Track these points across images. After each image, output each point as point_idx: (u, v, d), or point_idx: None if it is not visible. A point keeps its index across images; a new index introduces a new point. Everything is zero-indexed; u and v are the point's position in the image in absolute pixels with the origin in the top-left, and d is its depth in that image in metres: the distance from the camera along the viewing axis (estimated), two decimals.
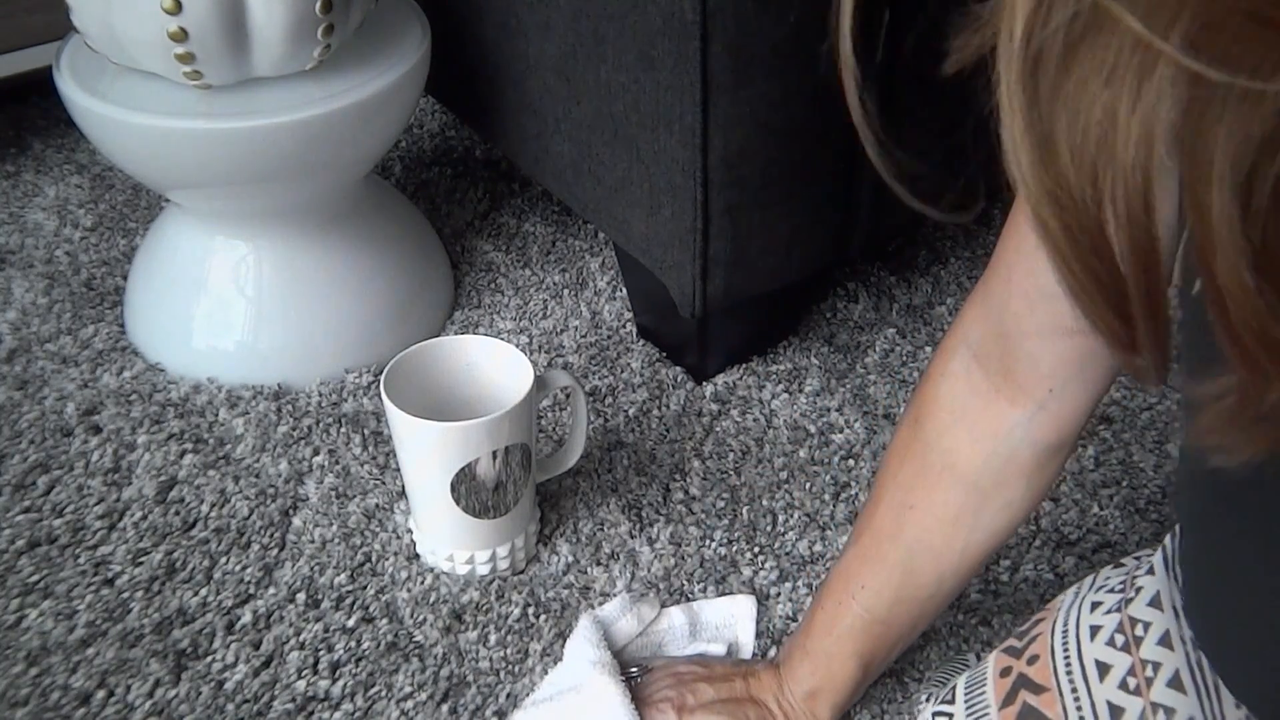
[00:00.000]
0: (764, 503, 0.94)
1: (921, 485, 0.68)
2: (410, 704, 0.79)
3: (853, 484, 0.95)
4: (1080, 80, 0.29)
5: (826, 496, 0.94)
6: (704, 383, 1.05)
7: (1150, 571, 0.57)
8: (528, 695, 0.80)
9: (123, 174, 1.28)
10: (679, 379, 1.05)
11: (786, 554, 0.90)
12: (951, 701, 0.63)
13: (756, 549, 0.90)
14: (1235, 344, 0.30)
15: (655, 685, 0.77)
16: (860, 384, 1.05)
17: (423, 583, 0.87)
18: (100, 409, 1.00)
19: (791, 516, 0.92)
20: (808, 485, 0.95)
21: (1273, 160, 0.27)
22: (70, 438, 0.98)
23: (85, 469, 0.95)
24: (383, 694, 0.80)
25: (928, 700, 0.74)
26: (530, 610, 0.85)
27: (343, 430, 0.98)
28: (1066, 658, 0.58)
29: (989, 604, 0.86)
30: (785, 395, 1.03)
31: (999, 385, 0.63)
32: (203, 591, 0.86)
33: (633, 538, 0.90)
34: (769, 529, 0.92)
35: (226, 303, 1.02)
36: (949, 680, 0.74)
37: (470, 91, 1.12)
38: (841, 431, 1.00)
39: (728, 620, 0.85)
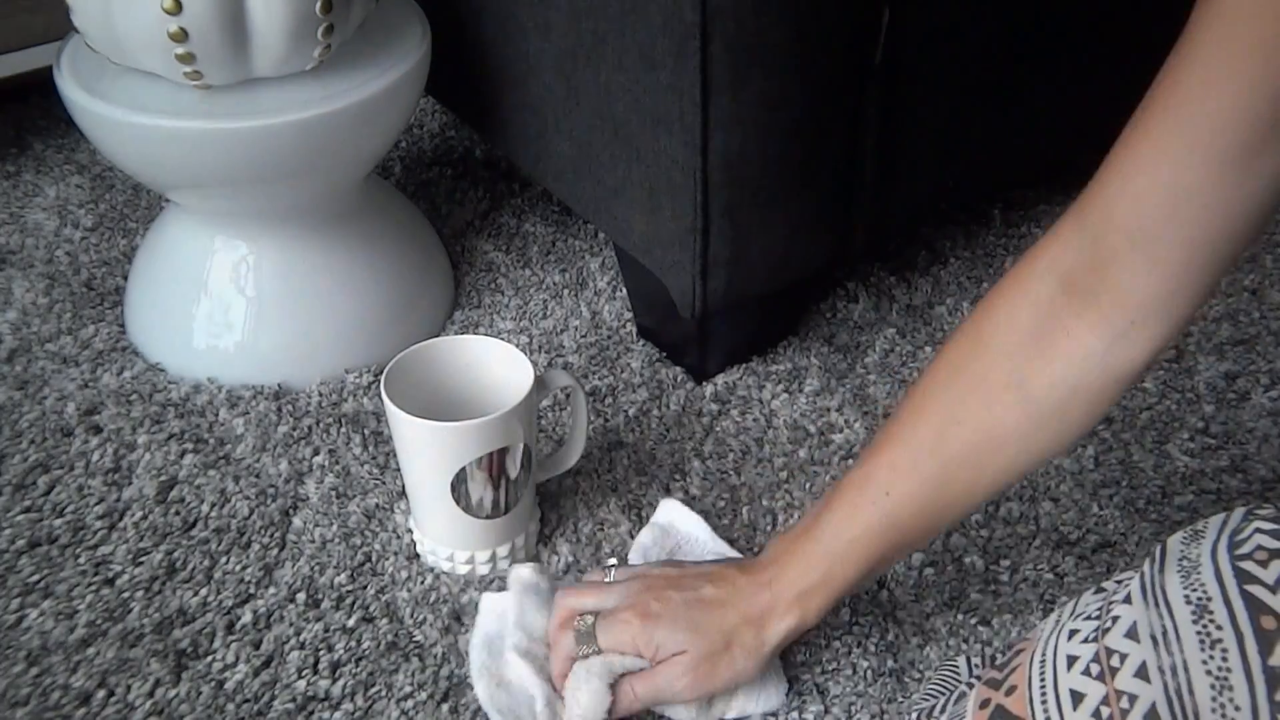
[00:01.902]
0: (764, 503, 0.94)
1: (976, 401, 0.68)
2: (410, 704, 0.79)
3: None
4: None
5: None
6: (704, 383, 1.05)
7: (1127, 600, 0.56)
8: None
9: (123, 174, 1.28)
10: (679, 379, 1.05)
11: None
12: None
13: (756, 549, 0.90)
14: None
15: (623, 591, 0.77)
16: (860, 384, 1.05)
17: (423, 583, 0.87)
18: (100, 409, 1.00)
19: (791, 516, 0.93)
20: (808, 485, 0.95)
21: None
22: (70, 438, 0.98)
23: (85, 469, 0.95)
24: (383, 694, 0.80)
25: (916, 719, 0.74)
26: None
27: (343, 430, 0.98)
28: (1043, 688, 0.58)
29: (989, 604, 0.86)
30: (785, 395, 1.03)
31: (1082, 312, 0.64)
32: (203, 591, 0.86)
33: (632, 537, 0.90)
34: (769, 529, 0.92)
35: (226, 303, 1.02)
36: (937, 696, 0.74)
37: (470, 91, 1.12)
38: (841, 431, 1.00)
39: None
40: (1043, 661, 0.59)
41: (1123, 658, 0.55)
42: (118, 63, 0.93)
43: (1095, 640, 0.56)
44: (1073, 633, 0.58)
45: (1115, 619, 0.56)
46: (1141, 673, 0.54)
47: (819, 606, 0.74)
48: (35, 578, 0.87)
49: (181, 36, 0.86)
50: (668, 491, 0.94)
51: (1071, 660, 0.57)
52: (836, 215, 0.98)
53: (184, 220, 1.04)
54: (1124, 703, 0.53)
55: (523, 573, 0.83)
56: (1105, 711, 0.54)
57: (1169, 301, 0.62)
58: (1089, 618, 0.58)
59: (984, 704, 0.61)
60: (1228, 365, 1.06)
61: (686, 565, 0.81)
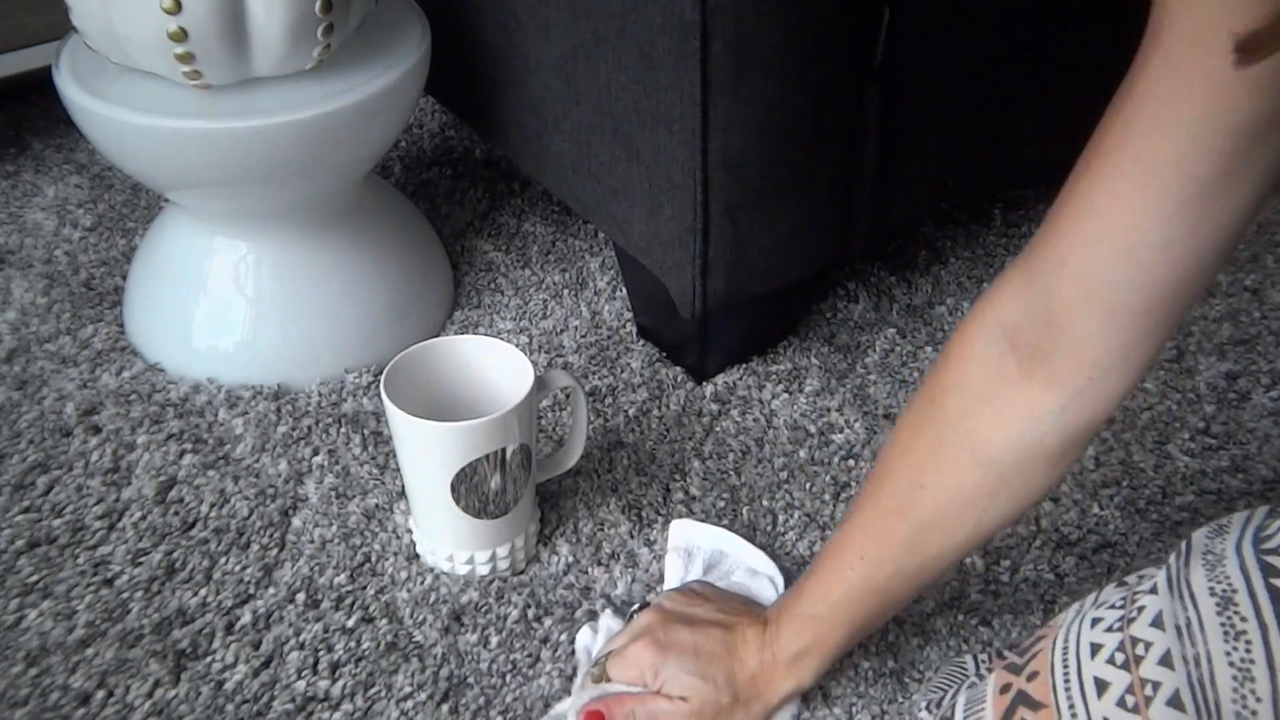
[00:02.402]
0: (764, 503, 0.94)
1: (935, 465, 0.68)
2: (410, 704, 0.79)
3: (852, 484, 0.95)
4: None
5: (826, 496, 0.94)
6: (704, 383, 1.05)
7: (1153, 590, 0.56)
8: (538, 699, 0.80)
9: (123, 174, 1.28)
10: (679, 379, 1.05)
11: (786, 554, 0.90)
12: (951, 717, 0.63)
13: (757, 548, 0.90)
14: None
15: (635, 625, 0.78)
16: (860, 384, 1.05)
17: (423, 583, 0.87)
18: (100, 409, 1.00)
19: (791, 516, 0.92)
20: (808, 485, 0.95)
21: None
22: (70, 438, 0.98)
23: (85, 469, 0.95)
24: (382, 694, 0.80)
25: (926, 709, 0.74)
26: (530, 611, 0.85)
27: (343, 430, 0.98)
28: (1066, 675, 0.58)
29: (989, 604, 0.86)
30: (785, 395, 1.03)
31: (1033, 371, 0.62)
32: (202, 591, 0.86)
33: (633, 538, 0.90)
34: (769, 529, 0.92)
35: (226, 303, 1.02)
36: (946, 688, 0.74)
37: (470, 91, 1.12)
38: (841, 431, 1.00)
39: (761, 569, 0.87)
40: (1065, 649, 0.59)
41: (1147, 646, 0.55)
42: (117, 62, 0.93)
43: (1120, 629, 0.56)
44: (1096, 621, 0.58)
45: (1141, 609, 0.56)
46: (1166, 660, 0.54)
47: (814, 668, 0.75)
48: (34, 578, 0.87)
49: (181, 36, 0.86)
50: (667, 491, 0.94)
51: (1095, 648, 0.57)
52: (836, 215, 0.98)
53: (184, 220, 1.04)
54: (1148, 690, 0.54)
55: (613, 624, 0.84)
56: (1130, 700, 0.54)
57: (1128, 353, 0.60)
58: (1113, 606, 0.58)
59: (1005, 689, 0.61)
60: (1228, 365, 1.06)
61: (709, 592, 0.81)
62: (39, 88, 1.29)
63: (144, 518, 0.91)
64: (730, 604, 0.81)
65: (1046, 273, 0.60)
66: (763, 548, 0.90)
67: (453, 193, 1.27)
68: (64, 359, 1.06)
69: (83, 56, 0.96)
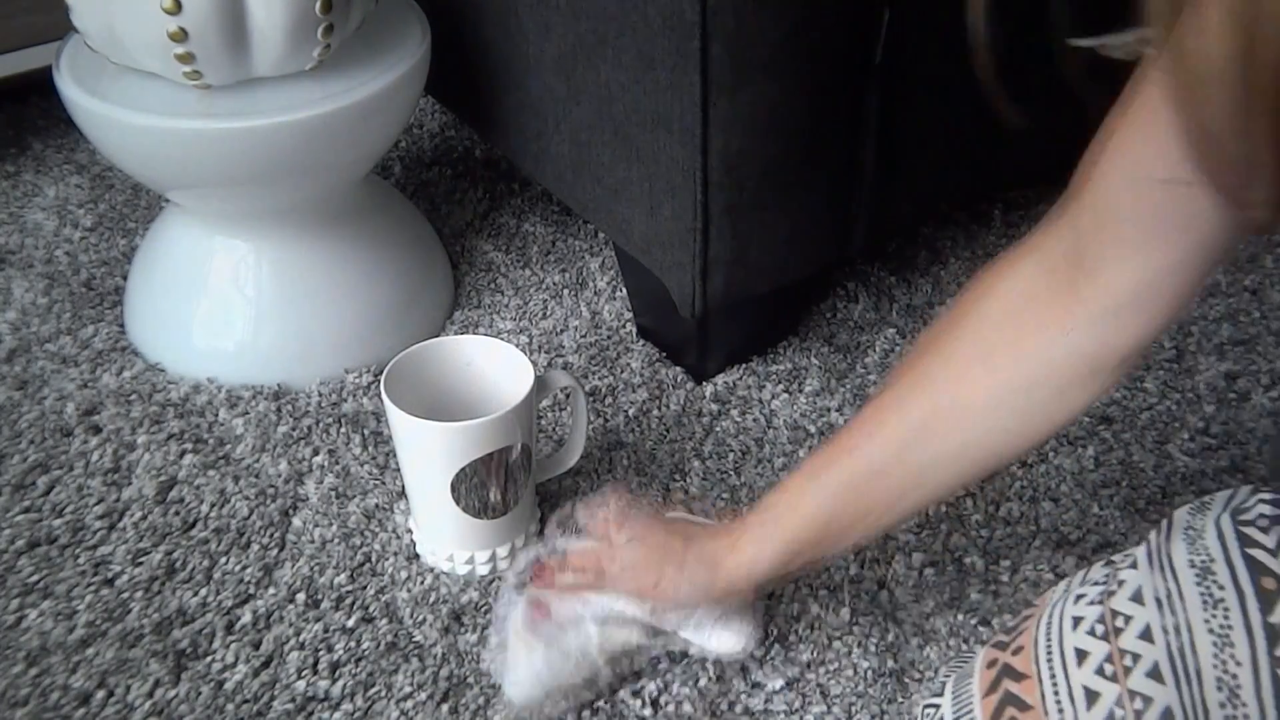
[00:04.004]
0: None
1: (944, 372, 0.68)
2: (410, 704, 0.79)
3: None
4: None
5: None
6: (704, 383, 1.05)
7: (1133, 566, 0.57)
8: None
9: (123, 174, 1.28)
10: (679, 379, 1.05)
11: None
12: (940, 694, 0.64)
13: None
14: None
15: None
16: (860, 384, 1.05)
17: (423, 583, 0.87)
18: (100, 409, 1.00)
19: None
20: None
21: None
22: (70, 438, 0.98)
23: (85, 469, 0.95)
24: (382, 694, 0.80)
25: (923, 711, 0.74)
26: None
27: (343, 430, 0.98)
28: (1049, 647, 0.59)
29: (989, 604, 0.86)
30: (785, 395, 1.03)
31: (1058, 296, 0.63)
32: (203, 591, 0.86)
33: None
34: None
35: (226, 303, 1.02)
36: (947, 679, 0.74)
37: (470, 91, 1.12)
38: None
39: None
40: (1049, 624, 0.60)
41: (1127, 619, 0.56)
42: (117, 63, 0.93)
43: (1101, 602, 0.57)
44: (1079, 597, 0.59)
45: (1121, 583, 0.57)
46: (1146, 634, 0.55)
47: (770, 555, 0.73)
48: (35, 578, 0.87)
49: (181, 36, 0.86)
50: (667, 491, 0.94)
51: (1077, 621, 0.58)
52: (836, 215, 0.98)
53: (184, 220, 1.04)
54: (1127, 660, 0.54)
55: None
56: (1109, 669, 0.55)
57: (1148, 292, 0.61)
58: (1096, 583, 0.59)
59: (991, 664, 0.62)
60: (1228, 365, 1.06)
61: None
62: (39, 88, 1.29)
63: (144, 518, 0.91)
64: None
65: (1078, 211, 0.62)
66: None
67: (453, 193, 1.27)
68: (64, 359, 1.06)
69: (83, 56, 0.96)
